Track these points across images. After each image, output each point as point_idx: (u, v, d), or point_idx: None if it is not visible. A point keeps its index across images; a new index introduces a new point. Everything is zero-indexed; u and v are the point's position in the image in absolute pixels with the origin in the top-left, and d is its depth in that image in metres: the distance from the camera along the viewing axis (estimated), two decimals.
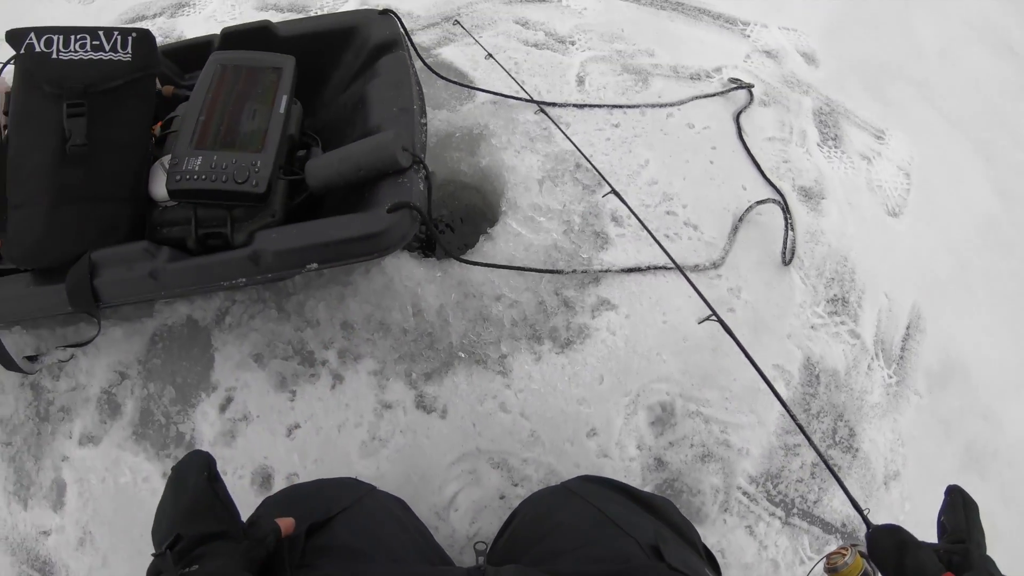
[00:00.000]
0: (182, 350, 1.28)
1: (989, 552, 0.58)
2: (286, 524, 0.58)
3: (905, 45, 2.00)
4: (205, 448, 1.18)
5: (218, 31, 1.38)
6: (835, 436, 1.24)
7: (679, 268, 1.13)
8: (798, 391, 1.26)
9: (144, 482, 1.18)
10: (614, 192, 1.22)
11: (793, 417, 0.84)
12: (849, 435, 1.24)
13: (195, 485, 0.53)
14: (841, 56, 1.89)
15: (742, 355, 0.93)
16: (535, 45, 1.76)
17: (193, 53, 1.34)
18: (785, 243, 1.38)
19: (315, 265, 1.03)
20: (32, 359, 1.28)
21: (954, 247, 1.55)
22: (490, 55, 1.62)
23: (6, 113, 1.31)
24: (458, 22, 1.75)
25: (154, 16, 1.99)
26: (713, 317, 1.02)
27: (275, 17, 1.61)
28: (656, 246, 1.30)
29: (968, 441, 1.30)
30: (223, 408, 1.22)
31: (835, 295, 1.37)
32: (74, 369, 1.28)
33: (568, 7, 1.90)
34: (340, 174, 1.09)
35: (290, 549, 0.60)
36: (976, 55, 2.05)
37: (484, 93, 1.59)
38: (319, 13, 1.88)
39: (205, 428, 1.21)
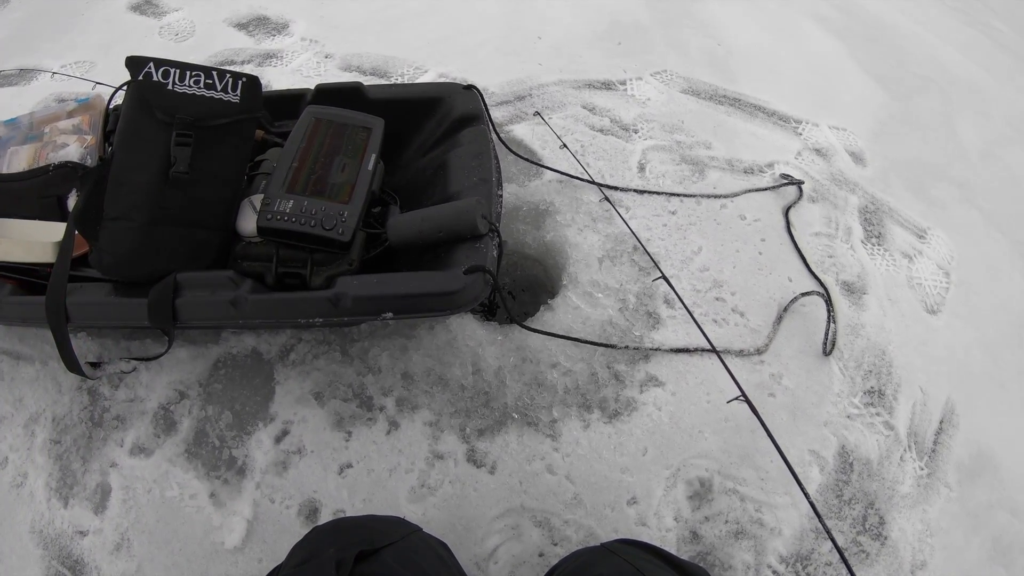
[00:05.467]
0: (244, 379, 1.33)
1: None
2: None
3: (949, 146, 2.04)
4: (257, 475, 1.22)
5: (302, 84, 1.44)
6: (865, 523, 1.24)
7: (716, 352, 1.19)
8: (831, 477, 1.27)
9: (191, 499, 1.21)
10: (664, 278, 1.27)
11: (806, 494, 0.86)
12: (879, 523, 1.24)
13: None
14: (887, 156, 1.93)
15: (780, 437, 0.94)
16: (600, 130, 1.83)
17: (286, 103, 1.43)
18: (827, 334, 1.42)
19: (390, 314, 1.07)
20: (95, 365, 1.31)
21: (989, 345, 1.55)
22: (564, 145, 1.69)
23: (109, 131, 1.36)
24: (538, 114, 1.83)
25: (243, 63, 2.07)
26: (742, 398, 1.06)
27: (358, 78, 1.68)
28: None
29: (996, 535, 1.29)
30: (278, 439, 1.26)
31: (872, 387, 1.39)
32: (134, 381, 1.32)
33: (633, 96, 1.97)
34: (421, 233, 1.16)
35: (338, 572, 0.63)
36: (1017, 154, 2.08)
37: (551, 171, 1.65)
38: (399, 79, 1.98)
39: (259, 455, 1.24)
